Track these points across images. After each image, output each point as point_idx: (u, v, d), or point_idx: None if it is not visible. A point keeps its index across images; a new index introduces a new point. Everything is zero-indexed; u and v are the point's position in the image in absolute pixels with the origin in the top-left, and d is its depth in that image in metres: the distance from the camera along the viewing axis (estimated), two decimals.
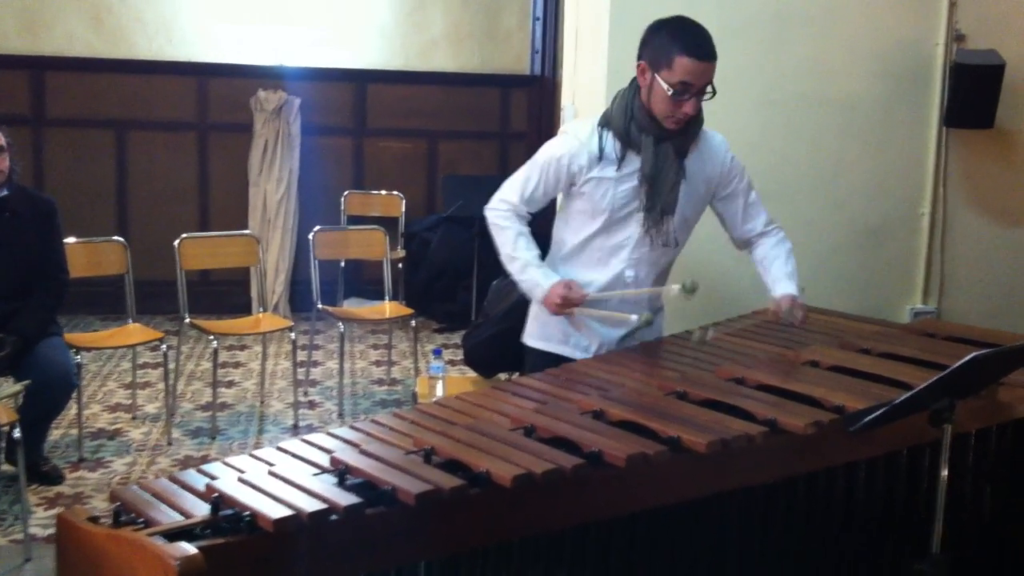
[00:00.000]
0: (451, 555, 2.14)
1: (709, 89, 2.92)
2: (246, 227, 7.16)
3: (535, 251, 3.07)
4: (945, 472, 2.35)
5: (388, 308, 5.93)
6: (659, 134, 2.97)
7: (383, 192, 7.42)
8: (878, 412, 2.31)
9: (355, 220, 7.13)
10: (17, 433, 3.85)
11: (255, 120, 7.31)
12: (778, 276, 3.21)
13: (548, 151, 3.07)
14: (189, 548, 1.79)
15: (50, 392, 4.27)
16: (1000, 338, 3.20)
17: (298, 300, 7.34)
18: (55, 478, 4.47)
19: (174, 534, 1.86)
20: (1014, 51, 4.20)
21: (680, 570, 2.46)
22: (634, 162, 3.00)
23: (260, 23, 7.32)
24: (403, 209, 7.27)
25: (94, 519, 1.97)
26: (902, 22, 4.20)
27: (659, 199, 3.01)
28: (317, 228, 5.92)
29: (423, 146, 7.71)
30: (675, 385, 2.71)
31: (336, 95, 7.57)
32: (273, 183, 7.31)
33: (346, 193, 7.31)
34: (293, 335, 5.54)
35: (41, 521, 4.07)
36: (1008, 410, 2.88)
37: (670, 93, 2.87)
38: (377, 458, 2.16)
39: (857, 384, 2.75)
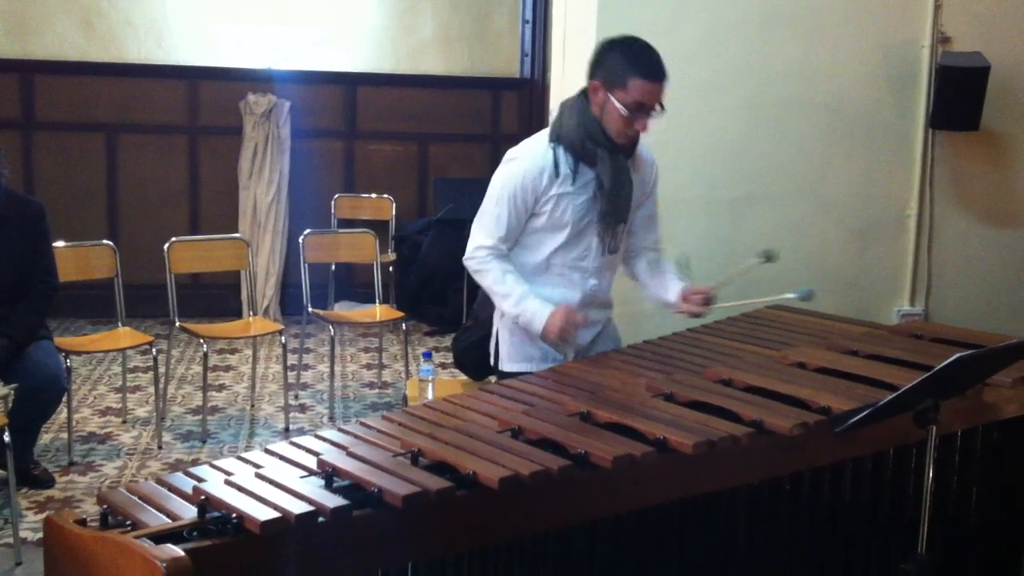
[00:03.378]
0: (438, 557, 2.14)
1: (658, 107, 3.00)
2: (236, 231, 7.15)
3: (525, 284, 3.08)
4: (931, 473, 2.37)
5: (379, 311, 5.93)
6: (613, 147, 3.03)
7: (373, 195, 7.43)
8: (864, 413, 2.33)
9: (345, 223, 7.13)
10: (7, 437, 3.84)
11: (245, 123, 7.31)
12: (671, 280, 3.27)
13: (507, 181, 3.07)
14: (176, 550, 1.79)
15: (40, 396, 4.26)
16: (987, 339, 3.22)
17: (288, 304, 7.34)
18: (45, 482, 4.46)
19: (161, 536, 1.86)
20: (999, 53, 4.22)
21: (667, 571, 2.47)
22: (586, 174, 3.06)
23: (250, 26, 7.32)
24: (394, 212, 7.28)
25: (81, 522, 1.98)
26: (888, 25, 4.22)
27: (616, 210, 3.08)
28: (307, 231, 5.92)
29: (413, 149, 7.72)
30: (662, 386, 2.72)
31: (326, 98, 7.58)
32: (263, 186, 7.31)
33: (336, 196, 7.32)
34: (284, 339, 5.54)
35: (31, 525, 4.06)
36: (993, 410, 2.90)
37: (625, 113, 2.95)
38: (364, 460, 2.17)
39: (843, 385, 2.76)
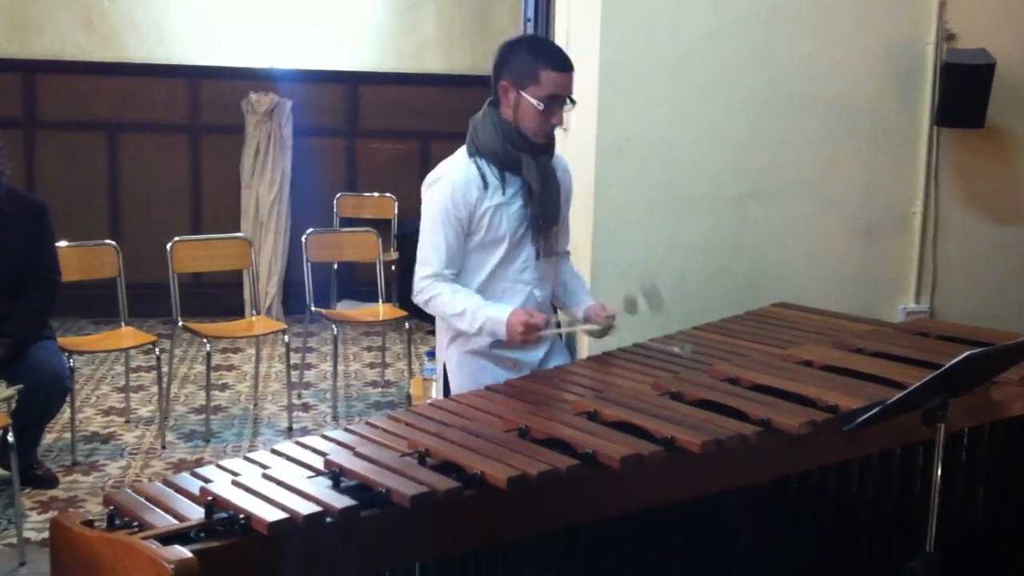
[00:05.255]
0: (446, 557, 2.14)
1: (569, 101, 3.00)
2: (238, 230, 7.15)
3: (477, 296, 3.01)
4: (939, 471, 2.36)
5: (381, 310, 5.93)
6: (533, 149, 3.01)
7: (376, 194, 7.42)
8: (871, 411, 2.32)
9: (348, 222, 7.13)
10: (10, 437, 3.84)
11: (247, 122, 7.30)
12: (581, 293, 3.26)
13: (437, 204, 3.01)
14: (183, 551, 1.79)
15: (43, 396, 4.26)
16: (993, 337, 3.21)
17: (291, 302, 7.34)
18: (49, 482, 4.46)
19: (168, 537, 1.86)
20: (1004, 50, 4.21)
21: (675, 570, 2.47)
22: (514, 184, 3.03)
23: (252, 25, 7.31)
24: (396, 211, 7.27)
25: (88, 523, 1.97)
26: (893, 22, 4.20)
27: (548, 211, 3.04)
28: (310, 230, 5.91)
29: (415, 147, 7.71)
30: (669, 385, 2.71)
31: (328, 97, 7.57)
32: (265, 185, 7.30)
33: (339, 195, 7.31)
34: (286, 338, 5.53)
35: (35, 525, 4.06)
36: (1001, 408, 2.89)
37: (541, 108, 2.94)
38: (371, 460, 2.16)
39: (851, 383, 2.75)
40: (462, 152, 3.08)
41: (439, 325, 3.21)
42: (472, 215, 3.00)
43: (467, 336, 3.07)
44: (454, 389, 3.13)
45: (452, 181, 3.01)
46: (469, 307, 2.96)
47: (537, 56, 2.95)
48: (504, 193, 3.01)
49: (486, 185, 3.00)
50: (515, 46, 3.02)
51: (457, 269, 3.04)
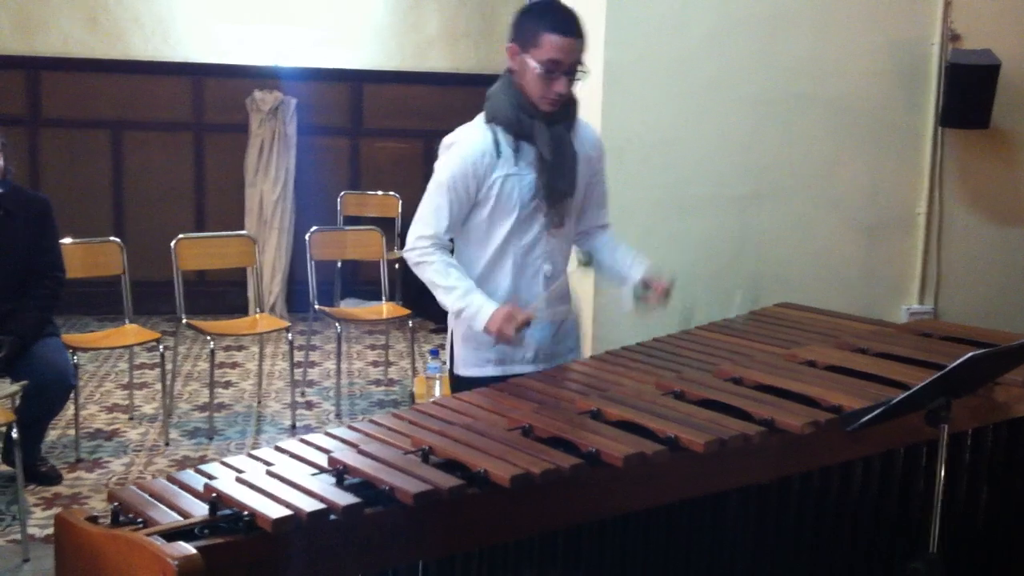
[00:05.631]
0: (449, 555, 2.14)
1: (581, 69, 2.91)
2: (242, 228, 7.16)
3: (469, 279, 2.95)
4: (942, 471, 2.36)
5: (385, 308, 5.93)
6: (548, 118, 2.94)
7: (379, 192, 7.42)
8: (875, 412, 2.32)
9: (352, 220, 7.13)
10: (15, 434, 3.85)
11: (251, 120, 7.31)
12: (633, 260, 3.12)
13: (448, 169, 2.94)
14: (188, 548, 1.79)
15: (47, 393, 4.27)
16: (996, 337, 3.21)
17: (295, 301, 7.34)
18: (53, 478, 4.47)
19: (173, 534, 1.86)
20: (1009, 51, 4.21)
21: (678, 569, 2.47)
22: (528, 154, 2.96)
23: (256, 23, 7.32)
24: (400, 209, 7.27)
25: (93, 519, 1.98)
26: (897, 22, 4.21)
27: (561, 181, 2.97)
28: (314, 229, 5.91)
29: (419, 146, 7.71)
30: (673, 385, 2.71)
31: (332, 95, 7.57)
32: (269, 184, 7.31)
33: (342, 193, 7.31)
34: (290, 336, 5.54)
35: (39, 521, 4.07)
36: (1004, 409, 2.89)
37: (539, 71, 2.87)
38: (375, 458, 2.16)
39: (854, 384, 2.75)
40: (480, 119, 3.02)
41: None
42: (481, 184, 2.94)
43: None
44: (458, 360, 3.10)
45: (465, 151, 2.94)
46: (461, 287, 2.91)
47: (541, 19, 2.87)
48: (517, 163, 2.95)
49: (499, 153, 2.94)
50: (525, 10, 2.95)
51: (453, 235, 2.99)
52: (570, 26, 2.89)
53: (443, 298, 2.95)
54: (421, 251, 2.96)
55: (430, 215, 2.96)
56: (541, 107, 2.92)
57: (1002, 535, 3.05)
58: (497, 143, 2.94)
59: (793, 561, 2.64)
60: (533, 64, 2.87)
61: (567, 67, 2.88)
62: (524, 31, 2.91)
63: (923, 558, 2.37)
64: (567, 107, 2.99)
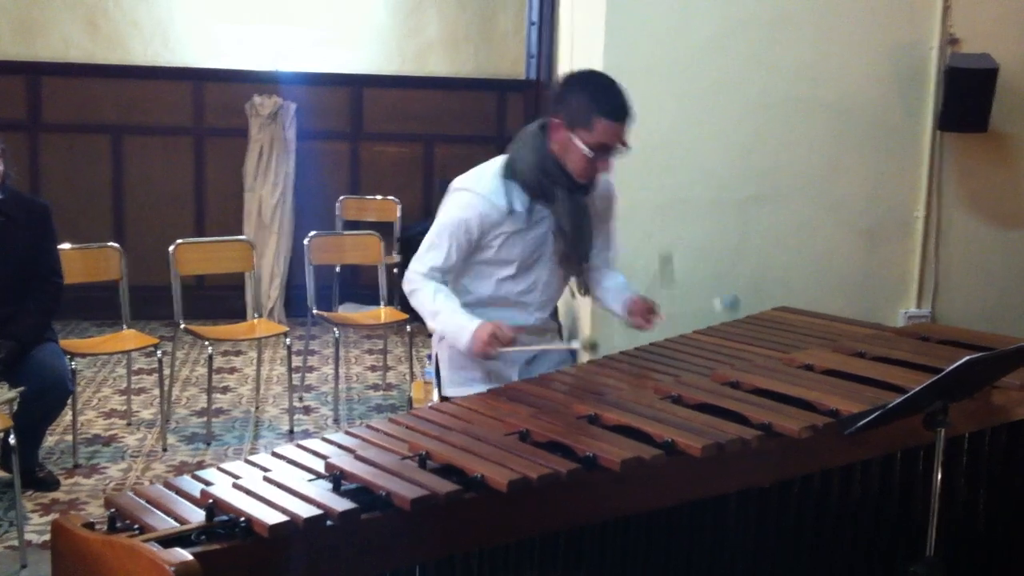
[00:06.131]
0: (446, 560, 2.14)
1: (621, 146, 2.88)
2: (241, 232, 7.16)
3: (456, 301, 2.95)
4: (939, 475, 2.36)
5: (383, 313, 5.92)
6: (570, 185, 2.92)
7: (379, 197, 7.41)
8: (872, 415, 2.32)
9: (351, 225, 7.12)
10: (12, 439, 3.84)
11: (251, 125, 7.30)
12: (618, 293, 3.16)
13: (455, 214, 2.94)
14: (184, 554, 1.79)
15: (45, 398, 4.26)
16: (994, 341, 3.21)
17: (293, 305, 7.33)
18: (50, 484, 4.46)
19: (169, 540, 1.86)
20: (1008, 54, 4.22)
21: (676, 573, 2.46)
22: (541, 211, 2.94)
23: (255, 28, 7.32)
24: (399, 214, 7.27)
25: (89, 525, 1.98)
26: (896, 26, 4.21)
27: (577, 250, 2.99)
28: (312, 233, 5.91)
29: (419, 150, 7.71)
30: (670, 389, 2.71)
31: (332, 100, 7.57)
32: (268, 188, 7.31)
33: (341, 198, 7.31)
34: (288, 340, 5.53)
35: (37, 527, 4.06)
36: (1002, 413, 2.89)
37: (589, 155, 2.83)
38: (372, 463, 2.16)
39: (852, 387, 2.75)
40: (496, 167, 2.97)
41: None
42: (485, 235, 2.94)
43: None
44: (445, 382, 3.13)
45: (478, 204, 2.92)
46: (446, 307, 2.91)
47: (595, 101, 2.82)
48: (527, 220, 2.93)
49: (511, 211, 2.92)
50: (576, 84, 2.90)
51: (451, 277, 3.01)
52: (624, 110, 2.85)
53: (430, 322, 2.98)
54: (413, 282, 2.99)
55: (432, 254, 2.97)
56: (578, 179, 2.91)
57: (1001, 538, 3.05)
58: (510, 201, 2.92)
59: (792, 564, 2.63)
60: (581, 145, 2.84)
61: (613, 149, 2.87)
62: (574, 110, 2.85)
63: (922, 561, 2.37)
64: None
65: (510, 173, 2.94)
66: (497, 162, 3.00)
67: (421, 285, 2.96)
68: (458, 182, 3.01)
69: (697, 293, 4.06)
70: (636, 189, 4.04)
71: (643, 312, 3.08)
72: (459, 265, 2.99)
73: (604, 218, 3.15)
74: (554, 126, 2.89)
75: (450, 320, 2.91)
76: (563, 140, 2.87)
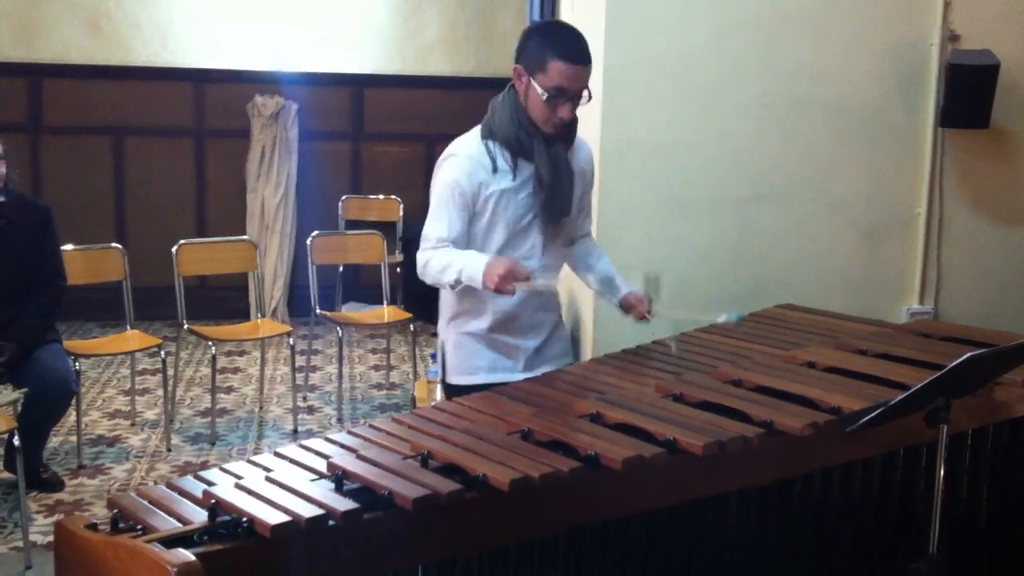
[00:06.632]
0: (449, 559, 2.14)
1: (585, 94, 2.90)
2: (244, 233, 7.17)
3: (461, 250, 2.93)
4: (941, 472, 2.36)
5: (386, 312, 5.93)
6: (547, 138, 2.94)
7: (381, 196, 7.43)
8: (874, 413, 2.32)
9: (353, 225, 7.14)
10: (16, 440, 3.85)
11: (252, 125, 7.32)
12: (617, 281, 3.16)
13: (444, 180, 2.95)
14: (187, 555, 1.79)
15: (49, 399, 4.28)
16: (996, 338, 3.21)
17: (296, 305, 7.35)
18: (55, 485, 4.47)
19: (172, 541, 1.86)
20: (1009, 51, 4.21)
21: (678, 572, 2.47)
22: (525, 170, 2.96)
23: (256, 29, 7.33)
24: (401, 213, 7.29)
25: (92, 526, 1.98)
26: (896, 23, 4.20)
27: (559, 202, 2.99)
28: (315, 233, 5.92)
29: (420, 150, 7.72)
30: (672, 387, 2.71)
31: (333, 100, 7.58)
32: (271, 188, 7.32)
33: (344, 198, 7.32)
34: (292, 340, 5.54)
35: (41, 528, 4.07)
36: (1004, 409, 2.89)
37: (545, 97, 2.86)
38: (374, 463, 2.16)
39: (853, 385, 2.75)
40: (476, 132, 3.02)
41: (441, 305, 3.18)
42: (476, 196, 2.94)
43: (465, 317, 3.06)
44: (450, 369, 3.12)
45: (461, 164, 2.94)
46: (454, 257, 2.88)
47: (549, 44, 2.86)
48: (514, 179, 2.95)
49: (495, 168, 2.94)
50: (533, 31, 2.96)
51: (462, 245, 2.97)
52: (578, 53, 2.88)
53: (443, 278, 2.92)
54: (423, 258, 2.96)
55: (434, 226, 2.96)
56: (544, 130, 2.93)
57: (1004, 535, 3.05)
58: (493, 159, 2.95)
59: (793, 563, 2.63)
60: (538, 89, 2.86)
61: (573, 93, 2.88)
62: (531, 54, 2.89)
63: (924, 559, 2.37)
64: (568, 129, 2.99)
65: (488, 133, 2.98)
66: (476, 128, 3.03)
67: (428, 256, 2.94)
68: (445, 151, 3.03)
69: (698, 293, 4.07)
70: (636, 189, 4.04)
71: (640, 306, 3.07)
72: (464, 231, 2.96)
73: (588, 184, 3.17)
74: (516, 74, 2.93)
75: (462, 261, 2.86)
76: (524, 88, 2.92)
